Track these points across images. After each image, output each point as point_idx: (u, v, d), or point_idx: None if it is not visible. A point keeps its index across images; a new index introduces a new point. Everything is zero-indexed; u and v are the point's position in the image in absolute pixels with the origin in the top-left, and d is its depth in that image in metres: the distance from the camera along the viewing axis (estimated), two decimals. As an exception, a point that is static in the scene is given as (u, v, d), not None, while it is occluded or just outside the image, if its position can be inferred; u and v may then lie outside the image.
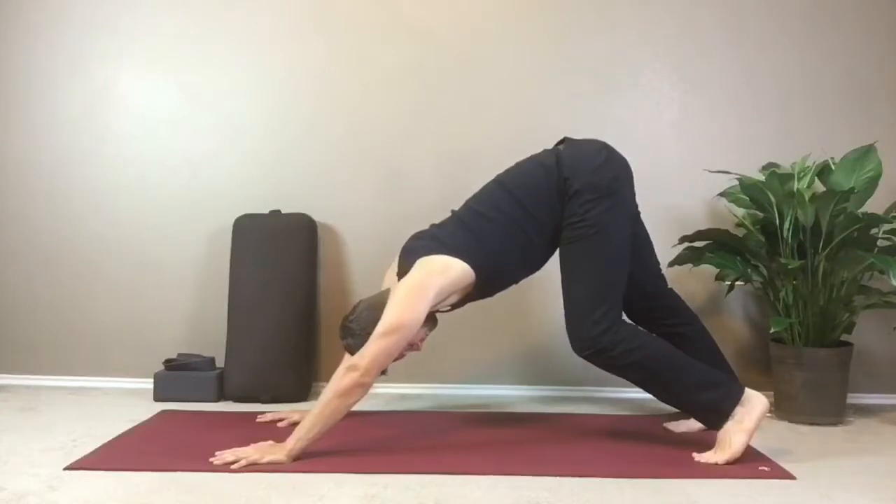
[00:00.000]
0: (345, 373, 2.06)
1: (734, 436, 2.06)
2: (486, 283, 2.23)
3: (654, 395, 2.26)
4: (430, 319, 2.29)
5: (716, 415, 2.11)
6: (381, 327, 2.05)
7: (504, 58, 2.95)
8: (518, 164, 2.32)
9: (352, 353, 2.16)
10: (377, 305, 2.16)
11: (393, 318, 2.06)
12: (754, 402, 2.09)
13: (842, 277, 2.56)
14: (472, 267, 2.15)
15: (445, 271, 2.13)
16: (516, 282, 2.35)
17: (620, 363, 2.14)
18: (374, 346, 2.04)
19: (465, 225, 2.23)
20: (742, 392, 2.10)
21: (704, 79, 2.93)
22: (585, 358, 2.16)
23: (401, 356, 2.35)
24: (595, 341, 2.12)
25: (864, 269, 2.52)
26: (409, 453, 2.15)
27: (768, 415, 2.15)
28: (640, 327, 2.29)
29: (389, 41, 2.97)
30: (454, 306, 2.29)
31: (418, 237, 2.27)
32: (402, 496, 1.82)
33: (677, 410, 2.48)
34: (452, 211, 2.32)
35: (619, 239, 2.19)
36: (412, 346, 2.27)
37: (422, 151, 2.96)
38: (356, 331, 2.18)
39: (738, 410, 2.08)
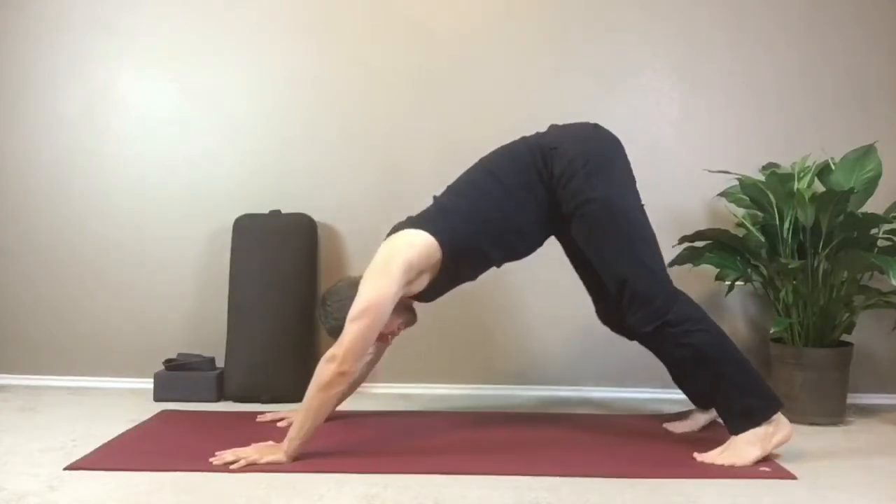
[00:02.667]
0: (324, 364, 2.02)
1: (749, 447, 2.04)
2: (457, 259, 2.14)
3: (690, 384, 2.22)
4: (407, 313, 2.26)
5: (745, 421, 2.06)
6: (351, 313, 2.02)
7: (504, 57, 2.95)
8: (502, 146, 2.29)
9: (322, 326, 2.22)
10: (354, 283, 2.16)
11: (361, 300, 2.02)
12: (781, 427, 2.07)
13: (842, 277, 2.56)
14: (438, 238, 2.10)
15: (410, 245, 2.09)
16: (495, 263, 2.27)
17: (680, 341, 2.08)
18: (348, 333, 2.01)
19: (437, 202, 2.23)
20: (778, 410, 2.08)
21: (704, 79, 2.93)
22: (649, 334, 2.11)
23: (376, 357, 2.36)
24: (661, 311, 2.07)
25: (864, 269, 2.52)
26: (409, 453, 2.15)
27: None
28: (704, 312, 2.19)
29: (389, 41, 2.97)
30: (431, 293, 2.23)
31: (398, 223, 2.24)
32: (402, 496, 1.82)
33: (678, 410, 2.49)
34: (434, 197, 2.29)
35: (636, 208, 2.15)
36: (383, 337, 2.23)
37: (422, 151, 2.96)
38: (328, 302, 2.21)
39: (766, 426, 2.05)
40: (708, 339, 2.09)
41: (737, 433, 2.07)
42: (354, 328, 2.00)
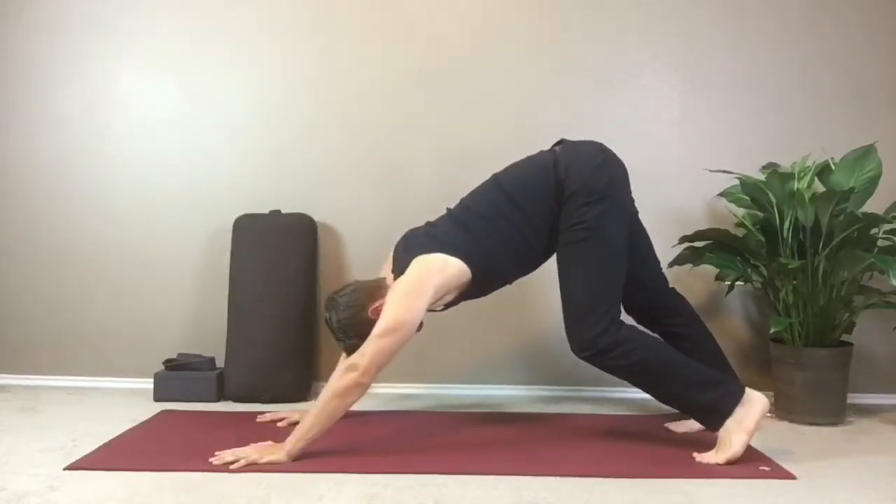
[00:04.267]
0: (344, 373, 2.05)
1: (734, 435, 2.06)
2: (482, 282, 2.22)
3: (653, 397, 2.26)
4: None
5: (716, 415, 2.10)
6: (379, 328, 2.05)
7: (504, 57, 2.95)
8: (515, 165, 2.32)
9: (329, 328, 2.20)
10: (368, 289, 2.19)
11: (392, 317, 2.05)
12: (754, 402, 2.08)
13: (842, 277, 2.56)
14: (469, 265, 2.15)
15: (443, 269, 2.13)
16: (509, 282, 2.34)
17: (619, 364, 2.14)
18: (373, 346, 2.03)
19: (461, 223, 2.23)
20: (742, 392, 2.10)
21: (704, 79, 2.93)
22: (585, 360, 2.16)
23: None
24: (594, 343, 2.11)
25: (864, 269, 2.52)
26: (409, 453, 2.15)
27: (768, 415, 2.15)
28: (640, 327, 2.28)
29: (389, 41, 2.97)
30: (448, 305, 2.29)
31: (414, 234, 2.27)
32: (402, 496, 1.82)
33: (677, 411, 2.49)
34: (448, 209, 2.32)
35: (617, 240, 2.19)
36: None
37: (422, 151, 2.96)
38: (340, 306, 2.19)
39: (739, 410, 2.07)
40: (645, 353, 2.13)
41: (717, 429, 2.10)
42: (381, 344, 2.03)
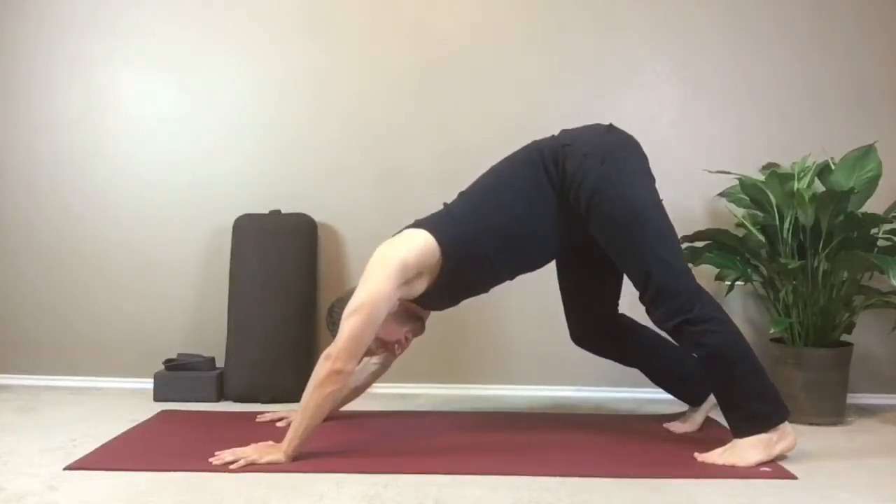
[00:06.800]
0: (320, 362, 2.02)
1: (754, 450, 2.03)
2: (459, 263, 2.10)
3: (708, 380, 2.21)
4: (414, 321, 2.26)
5: (751, 425, 2.05)
6: (346, 310, 2.02)
7: (504, 57, 2.95)
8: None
9: (331, 333, 2.18)
10: None
11: (356, 297, 2.02)
12: (787, 435, 2.07)
13: (842, 277, 2.56)
14: (438, 239, 2.07)
15: (407, 243, 2.07)
16: (504, 271, 2.21)
17: (698, 340, 2.06)
18: (343, 330, 2.00)
19: (447, 209, 2.20)
20: (785, 419, 2.07)
21: (704, 79, 2.93)
22: (669, 330, 2.09)
23: (383, 366, 2.40)
24: (683, 308, 2.04)
25: (864, 269, 2.52)
26: (409, 453, 2.15)
27: None
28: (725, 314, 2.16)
29: (389, 41, 2.97)
30: (438, 301, 2.22)
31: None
32: (402, 496, 1.82)
33: (677, 411, 2.49)
34: (444, 203, 2.26)
35: (653, 204, 2.12)
36: (388, 346, 2.24)
37: (422, 151, 2.96)
38: (335, 307, 2.20)
39: (772, 433, 2.05)
40: (726, 340, 2.07)
41: (741, 437, 2.07)
42: (349, 325, 2.00)
